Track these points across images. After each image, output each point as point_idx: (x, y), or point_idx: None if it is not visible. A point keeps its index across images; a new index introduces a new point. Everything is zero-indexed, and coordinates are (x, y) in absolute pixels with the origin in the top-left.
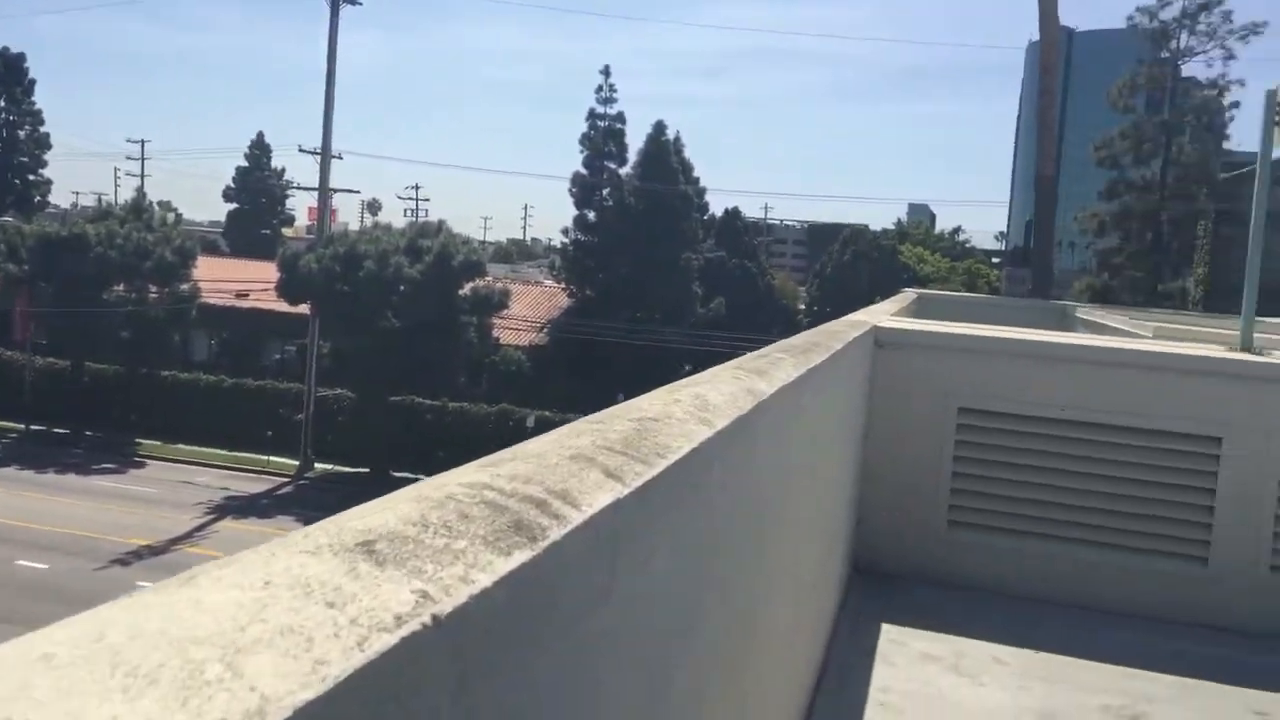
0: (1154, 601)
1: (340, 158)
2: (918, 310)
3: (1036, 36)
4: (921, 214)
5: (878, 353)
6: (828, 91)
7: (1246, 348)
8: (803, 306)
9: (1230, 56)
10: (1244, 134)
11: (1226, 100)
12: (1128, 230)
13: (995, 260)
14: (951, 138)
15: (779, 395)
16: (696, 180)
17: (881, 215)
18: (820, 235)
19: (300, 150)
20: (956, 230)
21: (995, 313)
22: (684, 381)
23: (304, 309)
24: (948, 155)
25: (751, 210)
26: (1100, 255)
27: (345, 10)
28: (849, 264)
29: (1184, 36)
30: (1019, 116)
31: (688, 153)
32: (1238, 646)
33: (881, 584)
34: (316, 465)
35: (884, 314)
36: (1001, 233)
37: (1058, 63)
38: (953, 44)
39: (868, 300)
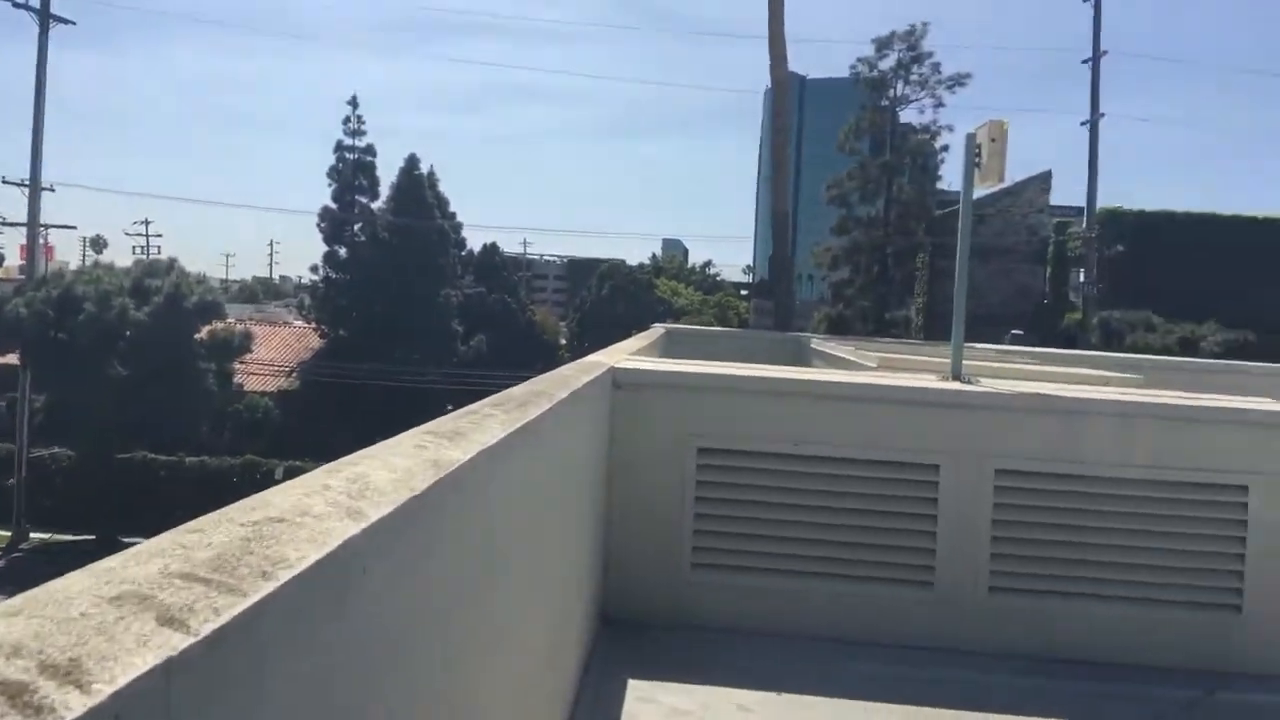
0: (890, 629)
1: (52, 189)
2: (666, 346)
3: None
4: (675, 248)
5: (616, 394)
6: (584, 129)
7: (957, 376)
8: (564, 341)
9: (940, 104)
10: (953, 175)
11: (938, 144)
12: (857, 263)
13: (744, 292)
14: (702, 175)
15: (479, 460)
16: (453, 215)
17: (638, 250)
18: (580, 270)
19: (4, 181)
20: (708, 264)
21: (738, 345)
22: (351, 458)
23: (12, 359)
24: (699, 192)
25: (510, 246)
26: (834, 287)
27: (59, 30)
28: (607, 298)
29: (900, 85)
30: (760, 156)
31: (443, 187)
32: (965, 666)
33: (630, 634)
34: (32, 535)
35: (625, 353)
36: (749, 266)
37: (789, 105)
38: (700, 87)
39: (626, 333)
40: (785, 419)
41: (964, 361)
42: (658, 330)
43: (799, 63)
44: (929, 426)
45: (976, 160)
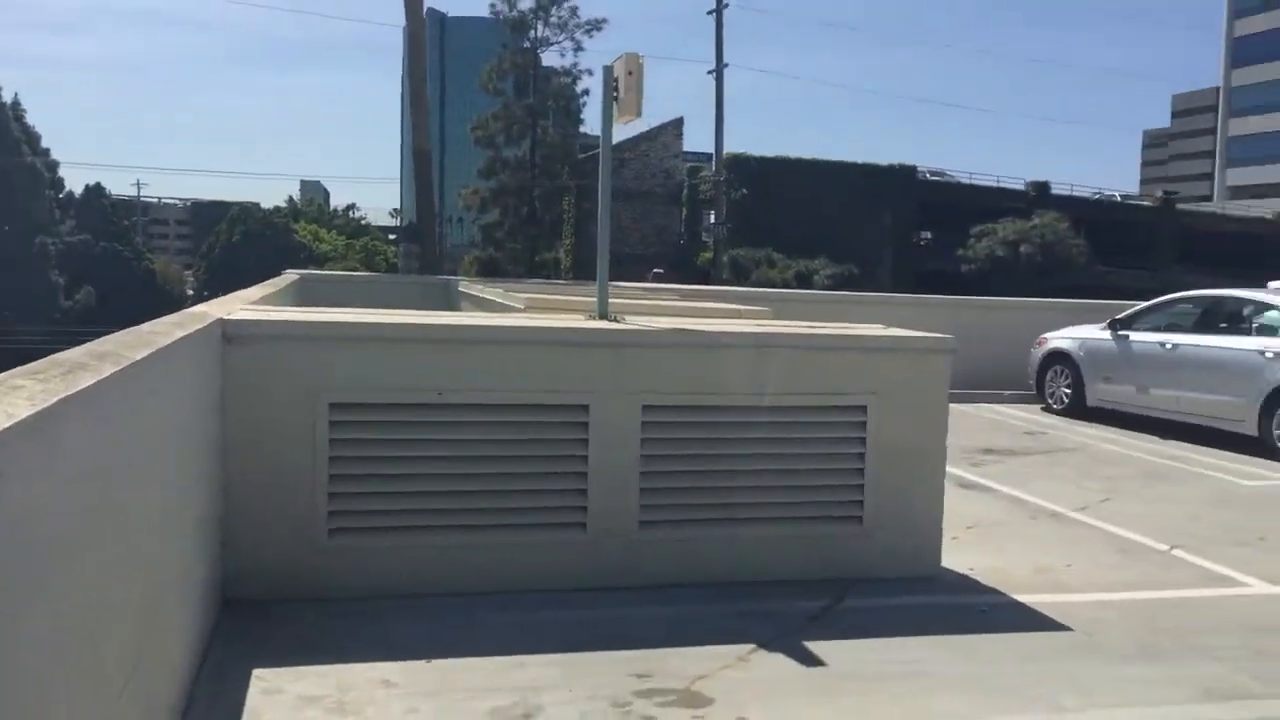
0: (546, 575)
1: None
2: (299, 294)
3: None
4: (315, 191)
5: (228, 349)
6: (207, 59)
7: (603, 315)
8: (191, 292)
9: (579, 48)
10: (594, 119)
11: (579, 87)
12: (506, 206)
13: (392, 237)
14: (343, 113)
15: None
16: (46, 152)
17: (273, 192)
18: (206, 214)
19: None
20: (352, 207)
21: (383, 291)
22: None
23: None
24: (339, 131)
25: (122, 188)
26: (484, 230)
27: None
28: (239, 244)
29: (540, 27)
30: (403, 94)
31: (33, 120)
32: (618, 604)
33: (256, 617)
34: None
35: (242, 303)
36: (396, 209)
37: (423, 36)
38: (341, 17)
39: (262, 281)
40: (427, 367)
41: (611, 300)
42: (289, 277)
43: (441, 2)
44: (577, 366)
45: (615, 94)
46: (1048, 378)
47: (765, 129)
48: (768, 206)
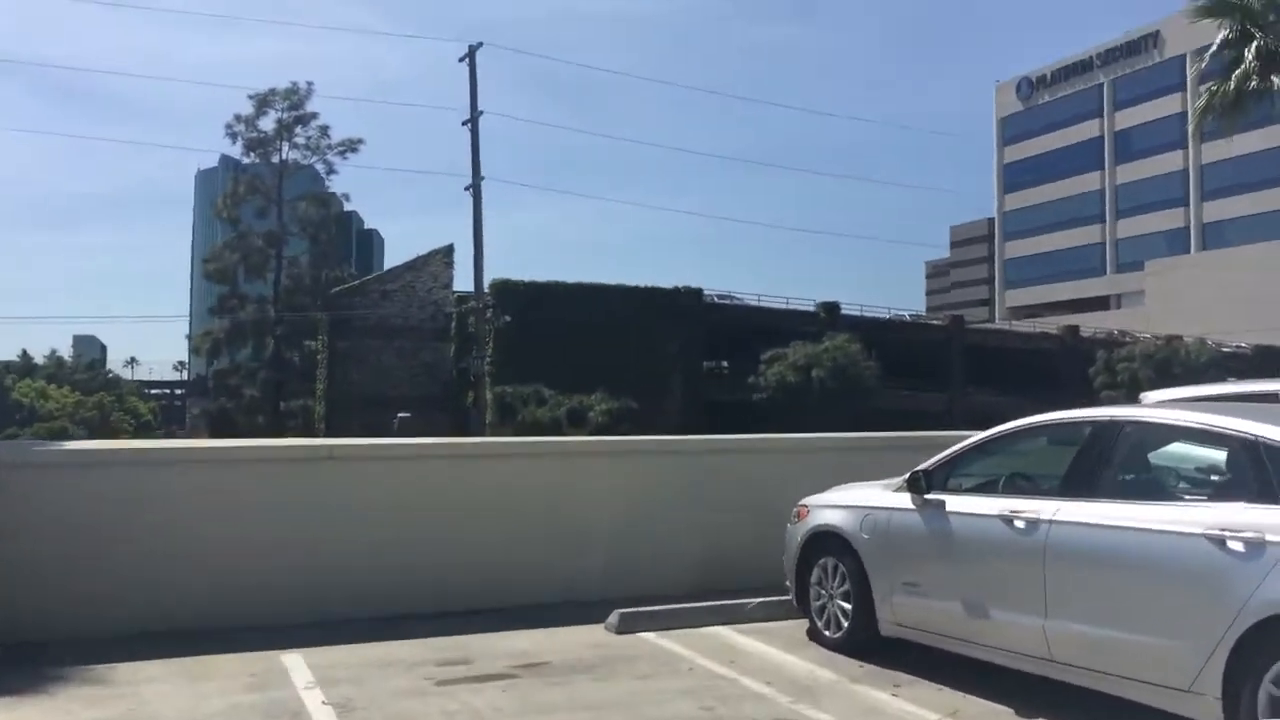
0: None
1: None
2: None
3: (204, 165)
4: (89, 346)
5: None
6: None
7: None
8: None
9: (332, 171)
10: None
11: (333, 213)
12: (249, 347)
13: (171, 391)
14: (127, 266)
15: None
16: None
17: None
18: None
19: None
20: (131, 361)
21: None
22: None
23: None
24: (124, 284)
25: None
26: (217, 377)
27: None
28: None
29: (285, 149)
30: (193, 243)
31: None
32: None
33: None
34: None
35: None
36: (182, 362)
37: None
38: (120, 171)
39: None
40: None
41: None
42: None
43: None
44: None
45: None
46: (813, 579)
47: (548, 259)
48: (539, 337)
